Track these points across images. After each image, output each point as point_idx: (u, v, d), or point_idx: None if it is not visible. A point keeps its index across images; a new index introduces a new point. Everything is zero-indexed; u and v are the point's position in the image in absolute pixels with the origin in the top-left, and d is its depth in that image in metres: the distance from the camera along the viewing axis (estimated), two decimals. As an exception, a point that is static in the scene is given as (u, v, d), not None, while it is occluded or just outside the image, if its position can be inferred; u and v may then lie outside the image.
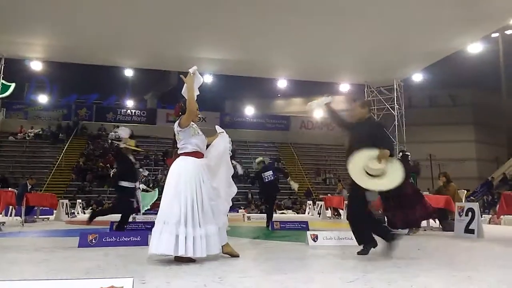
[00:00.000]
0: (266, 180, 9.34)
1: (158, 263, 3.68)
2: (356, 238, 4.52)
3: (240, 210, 16.50)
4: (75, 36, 14.00)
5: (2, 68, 15.78)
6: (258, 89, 30.44)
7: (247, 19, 12.60)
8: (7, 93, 16.32)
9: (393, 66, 16.57)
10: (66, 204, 12.87)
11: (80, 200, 16.94)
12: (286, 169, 25.29)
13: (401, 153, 7.68)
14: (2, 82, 15.75)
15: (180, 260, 3.76)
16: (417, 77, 19.09)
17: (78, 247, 4.99)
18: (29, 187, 11.82)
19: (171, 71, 24.89)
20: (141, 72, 22.02)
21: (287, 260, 4.15)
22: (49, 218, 12.70)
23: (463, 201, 10.20)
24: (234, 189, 4.44)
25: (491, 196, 17.72)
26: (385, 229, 4.56)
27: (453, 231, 7.25)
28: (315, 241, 5.35)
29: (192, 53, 15.21)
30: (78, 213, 14.92)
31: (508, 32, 19.87)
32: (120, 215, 6.86)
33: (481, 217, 7.69)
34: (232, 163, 4.63)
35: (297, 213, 19.74)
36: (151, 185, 13.43)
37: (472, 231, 6.60)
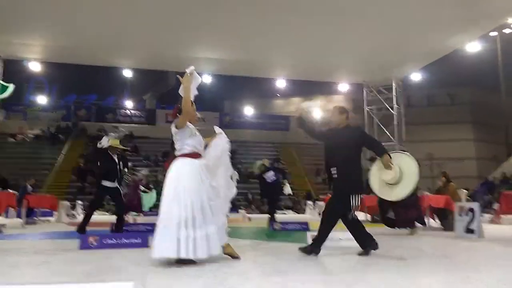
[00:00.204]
0: (269, 181, 9.38)
1: (159, 265, 3.69)
2: (358, 243, 4.52)
3: (240, 211, 16.49)
4: (73, 37, 13.99)
5: (1, 69, 15.73)
6: (257, 89, 30.43)
7: (246, 19, 12.60)
8: (6, 94, 16.22)
9: (391, 66, 16.57)
10: (67, 205, 12.85)
11: (80, 202, 16.91)
12: (287, 169, 25.35)
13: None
14: (1, 84, 15.70)
15: (181, 262, 3.76)
16: (416, 77, 19.09)
17: (79, 249, 5.00)
18: (30, 188, 11.81)
19: (170, 71, 24.87)
20: (140, 72, 22.03)
21: (288, 261, 4.15)
22: (49, 219, 12.69)
23: (463, 200, 10.21)
24: (233, 191, 4.44)
25: (491, 196, 17.72)
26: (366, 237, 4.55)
27: (453, 230, 7.26)
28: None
29: (191, 53, 15.20)
30: (78, 215, 14.90)
31: (507, 31, 19.84)
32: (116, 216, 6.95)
33: (481, 216, 7.71)
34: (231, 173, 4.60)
35: (298, 213, 19.73)
36: (151, 186, 13.42)
37: (472, 231, 6.60)
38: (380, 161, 4.51)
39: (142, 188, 11.61)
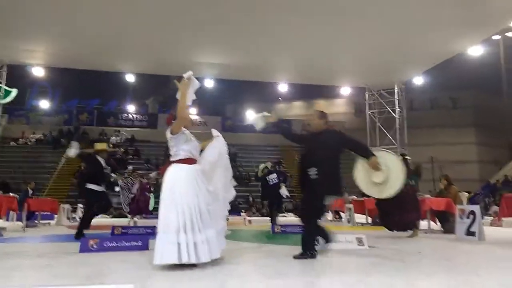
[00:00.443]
0: (271, 183, 9.41)
1: (159, 268, 3.69)
2: (302, 244, 4.50)
3: (242, 214, 16.49)
4: (76, 43, 14.08)
5: (5, 74, 15.84)
6: (259, 93, 30.48)
7: (248, 24, 12.67)
8: (10, 99, 16.35)
9: (394, 69, 16.59)
10: (67, 209, 12.87)
11: (81, 205, 16.92)
12: (289, 172, 25.33)
13: (401, 157, 7.71)
14: (4, 88, 15.80)
15: (182, 265, 3.77)
16: (418, 80, 19.09)
17: (80, 252, 5.01)
18: (30, 192, 11.84)
19: (172, 76, 24.92)
20: (142, 77, 22.08)
21: (288, 264, 4.15)
22: (50, 223, 12.71)
23: (465, 203, 10.19)
24: (232, 193, 4.43)
25: (493, 199, 17.68)
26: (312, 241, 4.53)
27: (454, 233, 7.24)
28: (316, 245, 5.34)
29: (193, 57, 15.27)
30: (79, 218, 14.92)
31: (509, 34, 19.88)
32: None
33: (482, 219, 7.70)
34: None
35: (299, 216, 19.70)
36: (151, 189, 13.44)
37: (473, 234, 6.59)
38: (369, 163, 4.54)
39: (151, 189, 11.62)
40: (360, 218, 11.92)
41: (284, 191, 9.79)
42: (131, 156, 25.96)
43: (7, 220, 11.07)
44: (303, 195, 4.63)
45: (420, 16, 12.01)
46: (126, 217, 12.58)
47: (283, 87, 20.06)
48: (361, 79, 18.36)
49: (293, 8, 11.81)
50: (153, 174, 13.04)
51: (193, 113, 31.10)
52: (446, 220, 8.37)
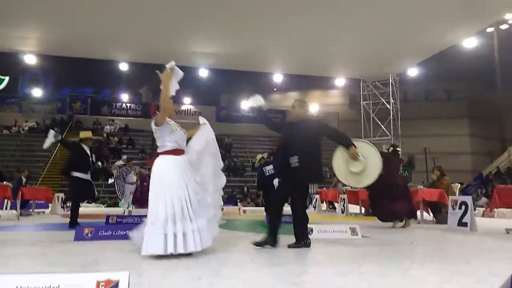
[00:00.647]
0: (267, 173, 9.45)
1: (154, 257, 3.71)
2: (270, 229, 4.54)
3: (238, 204, 16.55)
4: (69, 30, 13.93)
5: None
6: (254, 83, 30.33)
7: (243, 12, 12.59)
8: (1, 87, 16.21)
9: (388, 61, 16.61)
10: (61, 197, 12.85)
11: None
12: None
13: (391, 148, 7.75)
14: (-4, 76, 15.65)
15: (178, 254, 3.79)
16: (413, 72, 19.13)
17: (74, 240, 5.01)
18: (24, 180, 11.79)
19: (165, 65, 24.76)
20: (136, 66, 21.94)
21: (282, 253, 4.19)
22: (44, 211, 12.70)
23: (457, 194, 10.30)
24: (223, 180, 4.42)
25: (485, 190, 17.85)
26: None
27: (446, 224, 7.32)
28: (310, 234, 5.38)
29: (188, 47, 15.17)
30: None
31: (503, 27, 19.90)
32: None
33: (474, 210, 7.78)
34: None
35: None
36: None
37: (465, 224, 6.67)
38: (348, 152, 4.63)
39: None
40: (354, 208, 12.01)
41: (276, 182, 9.84)
42: (125, 146, 25.86)
43: (1, 208, 11.02)
44: (285, 184, 4.65)
45: (415, 7, 12.01)
46: (119, 206, 12.58)
47: (278, 78, 20.03)
48: (356, 70, 18.37)
49: (288, 0, 11.76)
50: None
51: (186, 103, 30.98)
52: (438, 211, 8.47)
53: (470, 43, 15.34)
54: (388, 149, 7.80)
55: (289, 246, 4.44)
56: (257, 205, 18.84)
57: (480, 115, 31.60)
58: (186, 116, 28.35)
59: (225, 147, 26.63)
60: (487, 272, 3.11)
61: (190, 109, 30.40)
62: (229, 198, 20.08)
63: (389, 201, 7.04)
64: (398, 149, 7.91)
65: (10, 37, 14.59)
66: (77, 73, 28.09)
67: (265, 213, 9.40)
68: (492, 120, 30.59)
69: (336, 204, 13.41)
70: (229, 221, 9.25)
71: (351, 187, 11.88)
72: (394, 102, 18.65)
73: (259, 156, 10.24)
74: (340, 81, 20.61)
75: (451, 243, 5.39)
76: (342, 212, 11.85)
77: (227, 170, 22.55)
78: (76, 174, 6.99)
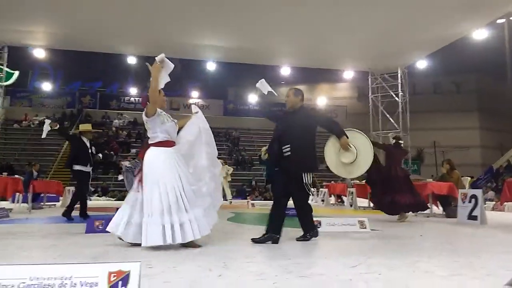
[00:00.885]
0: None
1: (165, 248, 3.74)
2: (268, 225, 4.41)
3: (248, 198, 16.61)
4: (77, 24, 13.96)
5: (6, 56, 15.78)
6: (261, 76, 29.95)
7: (251, 5, 12.51)
8: (11, 81, 16.35)
9: (397, 53, 16.44)
10: (72, 191, 12.98)
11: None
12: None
13: (394, 140, 7.69)
14: (6, 70, 15.78)
15: (186, 245, 3.82)
16: (421, 64, 18.92)
17: (85, 233, 5.07)
18: (35, 174, 11.94)
19: (174, 58, 24.77)
20: (144, 59, 21.98)
21: (291, 246, 4.20)
22: (55, 204, 12.86)
23: (467, 188, 10.22)
24: (218, 167, 4.42)
25: (495, 184, 17.71)
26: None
27: (456, 217, 7.28)
28: (318, 227, 5.40)
29: (195, 40, 15.14)
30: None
31: (515, 18, 19.58)
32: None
33: (485, 203, 7.73)
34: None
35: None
36: None
37: (475, 218, 6.64)
38: (340, 142, 4.62)
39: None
40: (362, 202, 11.99)
41: None
42: (134, 140, 26.00)
43: (13, 202, 11.18)
44: (281, 176, 4.53)
45: (424, -1, 11.84)
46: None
47: (286, 71, 19.93)
48: (364, 63, 18.21)
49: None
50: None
51: (194, 97, 30.97)
52: (448, 204, 8.42)
53: (480, 34, 15.10)
54: (394, 142, 7.74)
55: (298, 239, 4.46)
56: (265, 199, 18.88)
57: (490, 107, 31.23)
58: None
59: (233, 140, 26.66)
60: (496, 265, 3.09)
61: (197, 102, 30.45)
62: (238, 192, 20.14)
63: (389, 194, 7.00)
64: (400, 141, 7.84)
65: (19, 31, 14.67)
66: (86, 67, 28.26)
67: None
68: (502, 113, 30.25)
69: (344, 198, 13.40)
70: (238, 214, 9.29)
71: (359, 181, 11.86)
72: (402, 95, 18.50)
73: (264, 149, 10.23)
74: (348, 74, 20.47)
75: (461, 237, 5.36)
76: (351, 205, 11.83)
77: (235, 164, 22.58)
78: (77, 167, 7.09)
